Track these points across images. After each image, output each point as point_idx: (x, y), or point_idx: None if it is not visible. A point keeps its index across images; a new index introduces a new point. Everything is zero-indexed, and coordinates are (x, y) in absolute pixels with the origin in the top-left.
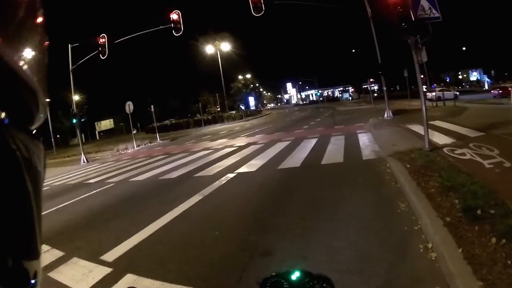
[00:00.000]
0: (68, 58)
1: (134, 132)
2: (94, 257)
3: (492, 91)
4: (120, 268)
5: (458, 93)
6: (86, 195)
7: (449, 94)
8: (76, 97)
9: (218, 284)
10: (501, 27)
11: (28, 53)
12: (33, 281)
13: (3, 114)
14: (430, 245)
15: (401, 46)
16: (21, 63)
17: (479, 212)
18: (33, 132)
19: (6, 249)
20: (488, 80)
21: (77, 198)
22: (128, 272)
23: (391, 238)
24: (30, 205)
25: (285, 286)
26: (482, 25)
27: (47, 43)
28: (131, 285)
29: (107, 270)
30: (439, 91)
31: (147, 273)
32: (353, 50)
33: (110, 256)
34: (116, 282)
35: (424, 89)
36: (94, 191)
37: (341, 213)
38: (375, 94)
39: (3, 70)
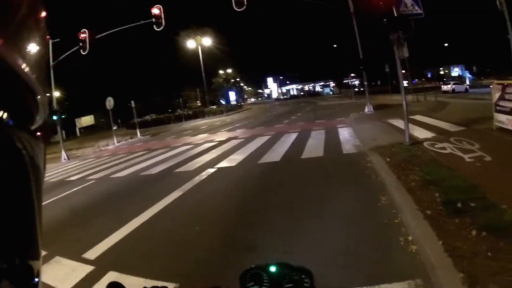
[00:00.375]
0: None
1: (115, 128)
2: (77, 256)
3: (490, 86)
4: (102, 265)
5: (468, 87)
6: (68, 192)
7: (460, 87)
8: (56, 94)
9: (201, 279)
10: (483, 24)
11: (29, 52)
12: (36, 280)
13: (5, 115)
14: (410, 238)
15: (383, 42)
16: (22, 62)
17: (459, 205)
18: (34, 131)
19: (13, 248)
20: (470, 76)
21: (59, 196)
22: (111, 270)
23: (372, 231)
24: (33, 204)
25: (264, 278)
26: (464, 21)
27: (48, 37)
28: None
29: (90, 268)
30: (453, 84)
31: (130, 270)
32: (335, 45)
33: (93, 253)
34: (99, 280)
35: (405, 84)
36: (76, 188)
37: (321, 207)
38: (356, 89)
39: (4, 71)
